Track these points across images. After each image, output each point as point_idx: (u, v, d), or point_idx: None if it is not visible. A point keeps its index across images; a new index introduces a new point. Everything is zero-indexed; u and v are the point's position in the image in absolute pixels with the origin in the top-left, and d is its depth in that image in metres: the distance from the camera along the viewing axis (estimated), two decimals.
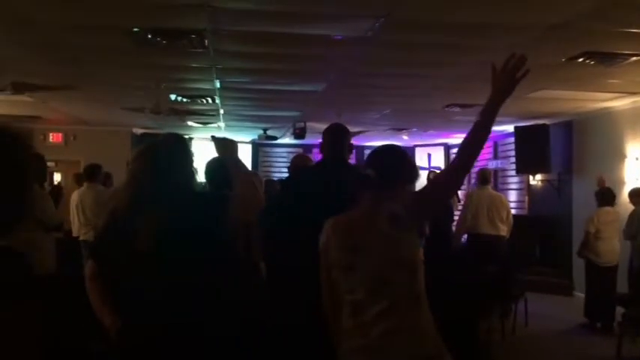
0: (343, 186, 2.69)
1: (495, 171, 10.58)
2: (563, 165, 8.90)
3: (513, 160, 9.60)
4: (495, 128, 6.82)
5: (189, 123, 9.96)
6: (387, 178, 2.14)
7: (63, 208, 6.75)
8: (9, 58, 5.56)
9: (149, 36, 4.61)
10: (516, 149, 9.37)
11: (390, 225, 2.06)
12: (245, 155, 11.93)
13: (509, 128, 9.31)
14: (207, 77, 6.33)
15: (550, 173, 9.09)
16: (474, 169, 11.54)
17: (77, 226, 7.24)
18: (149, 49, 5.01)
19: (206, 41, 4.78)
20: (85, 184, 7.30)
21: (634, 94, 6.87)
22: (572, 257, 8.35)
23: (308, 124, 9.25)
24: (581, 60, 5.14)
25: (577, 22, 4.12)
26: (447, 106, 7.80)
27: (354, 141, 3.50)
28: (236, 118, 9.56)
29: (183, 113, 8.76)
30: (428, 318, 2.09)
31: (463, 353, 2.17)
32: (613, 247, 6.64)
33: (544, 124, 8.96)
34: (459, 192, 8.49)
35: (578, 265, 7.41)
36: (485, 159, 10.77)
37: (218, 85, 6.73)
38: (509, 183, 10.67)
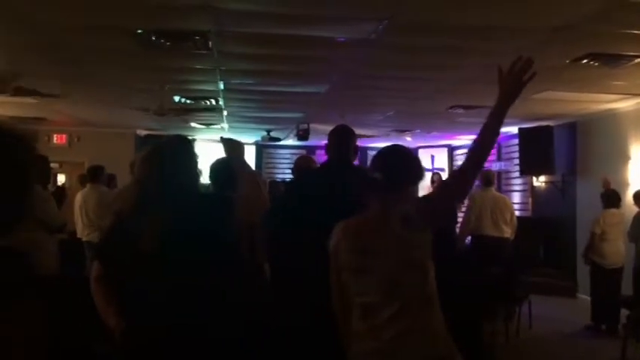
0: (348, 188, 2.69)
1: (499, 172, 10.56)
2: (567, 166, 8.88)
3: (517, 161, 9.58)
4: None
5: (193, 124, 9.97)
6: (393, 180, 2.14)
7: (66, 209, 6.77)
8: (13, 61, 5.58)
9: (153, 38, 4.62)
10: (520, 151, 9.35)
11: (402, 226, 2.06)
12: (248, 157, 11.93)
13: (513, 130, 9.29)
14: (211, 79, 6.34)
15: (554, 175, 9.07)
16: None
17: (81, 227, 7.26)
18: (153, 51, 5.02)
19: (210, 43, 4.78)
20: (89, 186, 7.33)
21: (638, 95, 6.85)
22: (576, 259, 8.32)
23: (311, 125, 9.26)
24: (585, 61, 5.13)
25: (581, 24, 4.11)
26: (451, 107, 7.79)
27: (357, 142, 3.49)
28: (240, 120, 9.57)
29: (186, 114, 8.78)
30: (439, 319, 2.09)
31: (467, 355, 2.16)
32: (618, 249, 6.62)
33: (548, 126, 8.94)
34: None
35: (583, 267, 7.39)
36: (489, 160, 10.70)
37: (222, 86, 6.73)
38: (513, 185, 10.65)
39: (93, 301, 2.32)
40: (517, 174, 9.93)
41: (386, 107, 8.16)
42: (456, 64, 5.44)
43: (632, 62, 5.15)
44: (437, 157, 12.98)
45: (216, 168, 3.30)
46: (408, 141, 11.56)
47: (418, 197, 2.22)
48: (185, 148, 2.36)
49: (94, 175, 7.33)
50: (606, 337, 6.38)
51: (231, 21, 4.27)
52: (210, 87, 6.82)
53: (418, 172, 2.25)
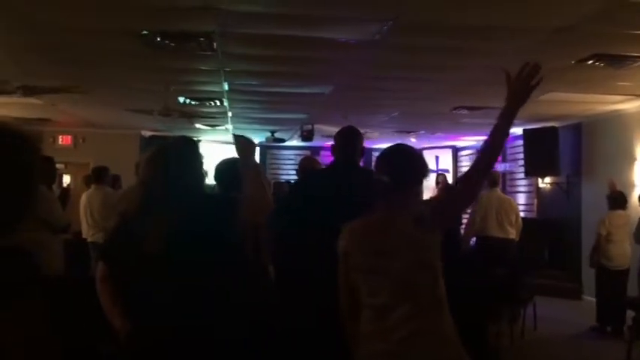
0: (354, 189, 2.69)
1: (504, 174, 10.53)
2: (572, 168, 8.85)
3: (522, 162, 9.56)
4: None
5: (198, 125, 9.99)
6: (399, 180, 2.14)
7: (71, 210, 6.79)
8: (19, 61, 5.60)
9: (158, 39, 4.63)
10: (525, 152, 9.32)
11: (415, 226, 2.06)
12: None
13: (518, 131, 9.27)
14: (215, 80, 6.35)
15: (559, 176, 9.04)
16: None
17: (86, 228, 7.29)
18: (158, 52, 5.03)
19: (214, 44, 4.79)
20: (93, 186, 7.35)
21: None
22: (581, 260, 8.30)
23: (315, 126, 9.26)
24: (590, 62, 5.11)
25: (585, 25, 4.10)
26: (455, 108, 7.78)
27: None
28: (244, 121, 9.59)
29: (191, 115, 8.79)
30: (449, 321, 2.09)
31: (472, 357, 2.15)
32: (624, 251, 6.60)
33: (553, 127, 8.92)
34: None
35: (588, 269, 7.36)
36: None
37: (226, 87, 6.74)
38: (517, 186, 10.62)
39: (98, 301, 2.32)
40: (522, 175, 9.91)
41: (390, 108, 8.15)
42: (459, 65, 5.43)
43: (637, 63, 5.13)
44: (441, 158, 12.96)
45: (222, 169, 3.30)
46: (412, 142, 11.55)
47: (429, 198, 2.22)
48: (190, 149, 2.36)
49: (99, 176, 7.35)
50: (611, 339, 6.36)
51: (236, 22, 4.28)
52: (214, 88, 6.83)
53: (423, 170, 2.25)
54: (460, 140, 12.08)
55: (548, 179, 9.51)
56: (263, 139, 11.46)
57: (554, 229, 9.20)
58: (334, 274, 2.25)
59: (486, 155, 2.13)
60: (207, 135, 11.10)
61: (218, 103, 7.79)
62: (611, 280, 6.59)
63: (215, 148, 10.52)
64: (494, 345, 5.38)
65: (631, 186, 7.31)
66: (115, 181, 8.09)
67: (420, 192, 2.27)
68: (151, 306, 2.14)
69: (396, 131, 10.21)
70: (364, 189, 2.39)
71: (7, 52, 5.26)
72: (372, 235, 2.15)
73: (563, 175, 8.96)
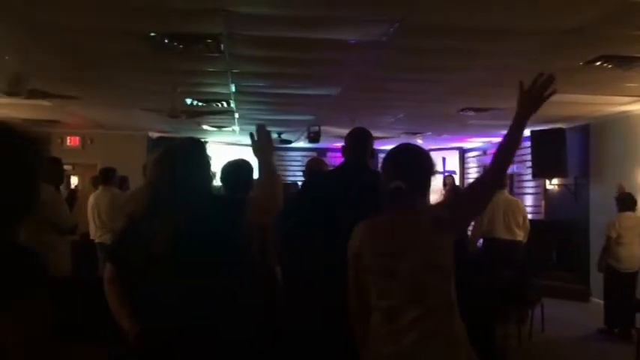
0: (364, 190, 2.68)
1: (511, 175, 10.49)
2: (580, 169, 8.81)
3: (530, 164, 9.52)
4: None
5: (205, 127, 10.02)
6: (408, 180, 2.13)
7: (78, 211, 6.82)
8: (28, 63, 5.63)
9: (166, 41, 4.65)
10: (533, 153, 9.29)
11: (432, 229, 2.07)
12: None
13: (526, 132, 9.20)
14: (222, 81, 6.36)
15: (567, 178, 9.00)
16: None
17: (93, 229, 7.32)
18: (166, 54, 5.05)
19: (222, 46, 4.81)
20: (101, 188, 7.38)
21: None
22: (589, 262, 8.25)
23: (322, 128, 9.26)
24: (598, 64, 5.09)
25: (594, 27, 4.08)
26: (462, 110, 7.76)
27: None
28: (251, 122, 9.59)
29: (198, 117, 8.82)
30: (459, 323, 2.09)
31: (480, 359, 2.15)
32: (633, 253, 6.56)
33: (561, 128, 8.88)
34: None
35: (596, 271, 7.32)
36: None
37: (233, 89, 6.76)
38: (525, 187, 10.58)
39: (106, 302, 2.33)
40: (529, 177, 9.87)
41: (397, 109, 8.14)
42: (466, 67, 5.42)
43: None
44: (448, 159, 12.94)
45: (228, 170, 3.31)
46: (419, 143, 11.54)
47: (441, 201, 2.23)
48: (197, 150, 2.37)
49: (106, 178, 7.39)
50: (620, 342, 6.32)
51: (243, 24, 4.29)
52: (221, 89, 6.85)
53: (431, 169, 2.25)
54: (467, 142, 12.05)
55: (555, 181, 9.47)
56: None
57: (561, 231, 9.16)
58: (341, 276, 2.24)
59: (499, 160, 2.18)
60: (214, 136, 11.13)
61: (225, 104, 7.81)
62: (620, 283, 6.55)
63: (222, 150, 10.55)
64: (501, 346, 5.37)
65: (639, 188, 7.27)
66: (123, 183, 8.13)
67: (428, 191, 2.26)
68: (158, 307, 2.15)
69: (403, 132, 10.20)
70: (374, 190, 2.38)
71: (18, 54, 5.29)
72: (382, 237, 2.14)
73: (570, 176, 8.92)
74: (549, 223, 9.52)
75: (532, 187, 10.39)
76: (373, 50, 4.87)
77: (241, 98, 7.41)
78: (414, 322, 2.01)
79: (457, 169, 12.96)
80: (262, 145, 2.36)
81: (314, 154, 11.20)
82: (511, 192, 9.64)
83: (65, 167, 6.57)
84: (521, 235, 6.81)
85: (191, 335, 2.11)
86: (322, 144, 10.58)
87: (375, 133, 3.40)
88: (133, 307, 2.24)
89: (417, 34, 4.40)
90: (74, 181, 10.92)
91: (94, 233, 7.30)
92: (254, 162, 2.90)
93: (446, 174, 11.88)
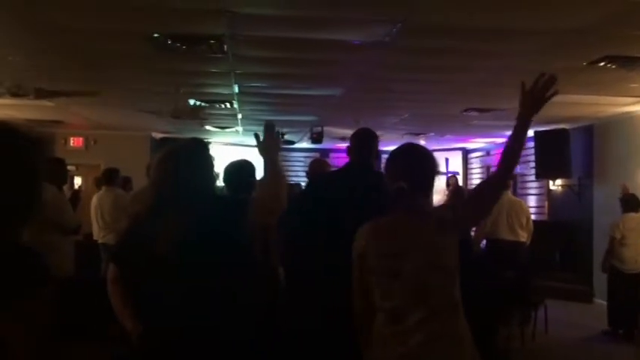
0: (368, 191, 2.68)
1: (515, 176, 10.47)
2: (583, 170, 8.79)
3: (533, 165, 9.50)
4: None
5: (208, 127, 10.03)
6: (413, 181, 2.13)
7: (81, 212, 6.84)
8: (31, 64, 5.65)
9: (169, 41, 4.66)
10: (536, 154, 9.27)
11: (436, 229, 2.07)
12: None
13: (529, 133, 9.18)
14: (225, 82, 6.37)
15: (570, 178, 8.98)
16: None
17: (96, 230, 7.33)
18: (169, 55, 5.06)
19: (225, 46, 4.81)
20: (104, 188, 7.39)
21: None
22: (592, 263, 8.23)
23: (325, 128, 9.25)
24: (602, 64, 5.07)
25: (597, 27, 4.07)
26: (465, 110, 7.75)
27: None
28: (254, 123, 9.60)
29: (201, 118, 8.82)
30: (465, 325, 2.08)
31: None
32: (637, 254, 6.54)
33: (564, 129, 8.86)
34: None
35: (599, 272, 7.30)
36: None
37: (236, 89, 6.76)
38: (528, 188, 10.56)
39: (109, 302, 2.34)
40: (533, 177, 9.85)
41: (400, 110, 8.14)
42: (469, 67, 5.41)
43: None
44: (451, 160, 12.92)
45: (230, 171, 3.32)
46: (422, 144, 11.52)
47: (447, 202, 2.24)
48: (201, 151, 2.36)
49: (110, 178, 7.40)
50: (623, 343, 6.30)
51: (246, 25, 4.29)
52: (224, 90, 6.86)
53: (434, 169, 2.25)
54: (470, 142, 12.03)
55: (559, 181, 9.45)
56: None
57: (565, 232, 9.14)
58: (344, 277, 2.24)
59: (505, 162, 2.19)
60: (217, 137, 11.13)
61: (228, 105, 7.81)
62: (623, 284, 6.54)
63: (225, 150, 10.56)
64: (504, 348, 5.36)
65: None
66: (126, 183, 8.14)
67: (431, 192, 2.26)
68: (161, 307, 2.15)
69: (406, 133, 10.19)
70: (377, 191, 2.38)
71: (22, 55, 5.31)
72: (386, 237, 2.13)
73: (574, 177, 8.90)
74: (553, 224, 9.50)
75: (535, 187, 10.37)
76: (376, 51, 4.87)
77: (244, 99, 7.42)
78: (419, 323, 2.01)
79: (460, 170, 12.94)
80: (269, 143, 2.35)
81: (317, 154, 11.20)
82: (514, 193, 9.60)
83: (68, 168, 6.58)
84: (524, 236, 6.79)
85: (194, 335, 2.11)
86: (325, 145, 10.58)
87: (377, 134, 3.39)
88: (136, 308, 2.24)
89: (419, 35, 4.39)
90: (77, 181, 10.94)
91: (97, 234, 7.31)
92: (256, 162, 2.90)
93: (449, 175, 11.87)
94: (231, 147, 11.69)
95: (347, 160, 3.29)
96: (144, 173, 5.73)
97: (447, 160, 12.68)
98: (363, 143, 3.19)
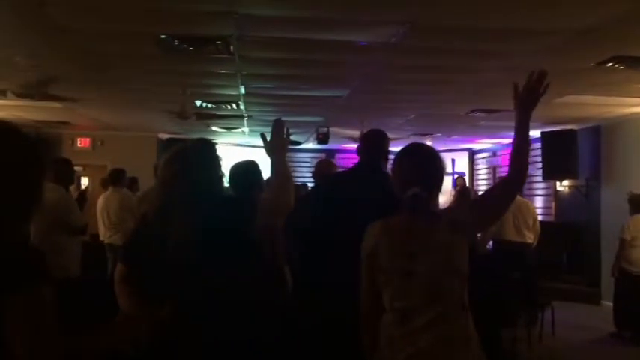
0: (375, 191, 2.68)
1: None
2: (590, 171, 8.75)
3: (540, 165, 9.47)
4: None
5: (214, 128, 10.05)
6: (422, 181, 2.13)
7: (88, 212, 6.88)
8: (39, 65, 5.68)
9: (176, 43, 4.67)
10: (543, 155, 9.24)
11: (449, 230, 2.07)
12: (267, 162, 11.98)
13: (536, 134, 9.18)
14: (232, 83, 6.38)
15: (577, 179, 8.94)
16: (499, 174, 11.43)
17: (103, 230, 7.36)
18: (176, 56, 5.08)
19: (232, 48, 4.82)
20: (110, 189, 7.42)
21: None
22: (600, 265, 8.19)
23: (331, 129, 9.26)
24: (609, 65, 5.05)
25: (605, 27, 4.05)
26: (472, 111, 7.74)
27: None
28: (260, 124, 9.62)
29: (208, 118, 8.85)
30: (472, 327, 2.08)
31: None
32: None
33: (571, 130, 8.82)
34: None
35: (607, 274, 7.27)
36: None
37: (243, 90, 6.78)
38: (535, 189, 10.53)
39: (116, 302, 2.34)
40: (540, 178, 9.81)
41: (406, 111, 8.13)
42: (477, 67, 5.40)
43: None
44: (458, 161, 12.89)
45: (236, 172, 3.32)
46: (429, 144, 11.49)
47: (454, 202, 2.23)
48: (208, 151, 2.37)
49: (116, 179, 7.43)
50: (630, 345, 6.27)
51: (253, 26, 4.30)
52: (231, 91, 6.87)
53: (443, 169, 2.25)
54: (477, 143, 12.00)
55: (566, 182, 9.41)
56: None
57: (572, 233, 9.10)
58: (351, 276, 2.23)
59: (515, 161, 2.20)
60: (223, 138, 11.16)
61: (234, 106, 7.83)
62: (631, 285, 6.50)
63: (231, 151, 10.58)
64: (510, 349, 5.33)
65: None
66: (133, 184, 8.17)
67: (438, 192, 2.26)
68: (169, 307, 2.15)
69: (412, 134, 10.18)
70: (383, 191, 2.38)
71: (29, 56, 5.34)
72: (398, 237, 2.12)
73: (581, 178, 8.86)
74: (560, 225, 9.46)
75: (542, 188, 10.33)
76: (383, 52, 4.87)
77: (251, 100, 7.43)
78: (428, 324, 2.00)
79: (467, 171, 12.91)
80: (276, 143, 2.34)
81: (323, 155, 11.21)
82: (521, 194, 9.57)
83: (75, 168, 6.62)
84: (531, 238, 6.77)
85: (202, 334, 2.11)
86: (331, 145, 10.58)
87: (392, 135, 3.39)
88: (144, 307, 2.24)
89: (426, 36, 4.39)
90: (84, 182, 10.99)
91: (104, 234, 7.34)
92: (262, 163, 2.90)
93: (456, 176, 11.85)
94: (237, 148, 11.71)
95: (353, 160, 3.31)
96: (150, 174, 5.75)
97: (453, 161, 12.66)
98: (373, 144, 3.20)
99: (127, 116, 9.22)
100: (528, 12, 3.85)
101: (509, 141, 2.27)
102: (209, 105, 7.74)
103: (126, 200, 7.19)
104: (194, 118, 8.25)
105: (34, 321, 1.28)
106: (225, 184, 3.08)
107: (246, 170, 3.33)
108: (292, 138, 2.42)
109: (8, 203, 1.34)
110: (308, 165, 12.39)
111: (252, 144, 11.46)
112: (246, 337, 2.15)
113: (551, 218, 9.90)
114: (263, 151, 2.38)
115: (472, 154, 13.04)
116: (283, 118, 2.47)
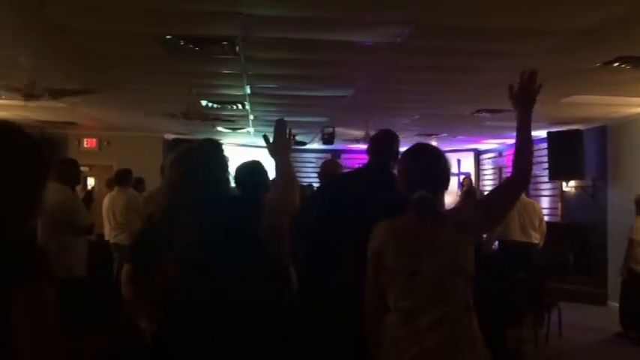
0: (381, 192, 2.68)
1: None
2: (597, 171, 8.72)
3: (546, 166, 9.44)
4: None
5: (219, 128, 10.07)
6: (430, 182, 2.12)
7: (94, 212, 6.90)
8: (45, 66, 5.70)
9: (181, 43, 4.68)
10: (549, 155, 9.21)
11: (455, 231, 2.07)
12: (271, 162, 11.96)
13: (542, 134, 9.16)
14: (237, 83, 6.39)
15: (584, 179, 8.91)
16: (505, 174, 11.39)
17: (108, 230, 7.38)
18: (181, 56, 5.09)
19: (237, 48, 4.83)
20: (116, 189, 7.45)
21: None
22: (606, 266, 8.16)
23: (336, 129, 9.26)
24: (615, 65, 5.04)
25: (611, 27, 4.04)
26: (477, 111, 7.72)
27: None
28: (265, 124, 9.63)
29: (213, 119, 8.86)
30: (477, 327, 2.08)
31: None
32: None
33: (577, 130, 8.79)
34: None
35: (613, 274, 7.24)
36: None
37: (248, 91, 6.79)
38: (541, 189, 10.49)
39: (122, 302, 2.35)
40: (546, 178, 9.78)
41: (412, 111, 8.12)
42: (482, 67, 5.39)
43: None
44: (463, 161, 12.86)
45: (242, 171, 3.32)
46: (434, 144, 11.47)
47: (460, 202, 2.23)
48: (215, 151, 2.37)
49: (122, 179, 7.45)
50: (637, 346, 6.24)
51: (258, 26, 4.31)
52: (236, 91, 6.88)
53: (446, 168, 2.24)
54: (482, 143, 11.97)
55: (572, 183, 9.37)
56: None
57: (579, 234, 9.06)
58: (357, 276, 2.23)
59: (519, 161, 2.21)
60: (228, 138, 11.18)
61: (240, 106, 7.84)
62: (637, 285, 6.46)
63: (236, 151, 10.59)
64: (516, 350, 5.32)
65: None
66: (139, 184, 8.19)
67: (443, 192, 2.25)
68: (175, 307, 2.16)
69: (417, 134, 10.17)
70: (390, 191, 2.37)
71: (33, 56, 5.36)
72: (403, 237, 2.12)
73: (588, 178, 8.83)
74: (566, 226, 9.42)
75: (549, 189, 10.29)
76: (387, 52, 4.86)
77: (256, 100, 7.44)
78: (433, 324, 2.00)
79: (472, 171, 12.88)
80: (279, 144, 2.34)
81: (328, 155, 11.21)
82: (527, 194, 9.54)
83: (82, 169, 6.65)
84: (537, 238, 6.74)
85: (208, 333, 2.11)
86: (336, 146, 10.57)
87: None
88: (151, 307, 2.25)
89: (431, 36, 4.38)
90: (90, 182, 11.03)
91: (109, 234, 7.36)
92: (268, 164, 2.90)
93: (462, 176, 11.81)
94: (242, 148, 11.72)
95: (359, 160, 3.31)
96: (156, 174, 5.76)
97: (458, 161, 12.63)
98: (381, 144, 3.20)
99: (132, 116, 9.24)
100: (529, 12, 3.84)
101: (514, 141, 2.26)
102: (214, 105, 7.76)
103: (132, 200, 7.22)
104: (199, 118, 8.26)
105: (35, 320, 1.29)
106: (232, 184, 3.09)
107: (251, 170, 3.34)
108: (298, 138, 2.43)
109: (10, 203, 1.35)
110: (313, 165, 12.39)
111: (258, 144, 11.47)
112: (252, 337, 2.15)
113: (557, 219, 9.87)
114: (268, 152, 2.38)
115: (478, 154, 13.01)
116: (288, 118, 2.47)
